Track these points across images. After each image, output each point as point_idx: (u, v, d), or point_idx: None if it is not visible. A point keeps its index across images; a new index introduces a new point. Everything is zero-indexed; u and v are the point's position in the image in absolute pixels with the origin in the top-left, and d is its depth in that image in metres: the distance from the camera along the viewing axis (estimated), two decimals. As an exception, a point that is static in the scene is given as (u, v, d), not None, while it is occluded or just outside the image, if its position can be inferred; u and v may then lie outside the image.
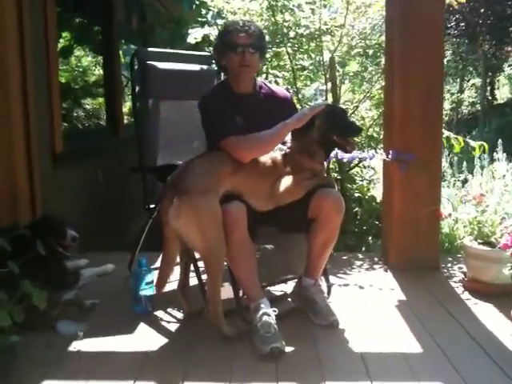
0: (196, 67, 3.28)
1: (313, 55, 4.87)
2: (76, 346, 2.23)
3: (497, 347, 2.27)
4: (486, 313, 2.63)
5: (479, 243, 2.94)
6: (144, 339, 2.34)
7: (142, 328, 2.45)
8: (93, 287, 2.82)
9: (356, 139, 4.67)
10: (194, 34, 5.00)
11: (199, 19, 5.10)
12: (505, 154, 4.46)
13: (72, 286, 2.60)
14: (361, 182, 4.93)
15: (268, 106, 2.56)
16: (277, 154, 2.45)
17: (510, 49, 15.06)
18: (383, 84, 4.55)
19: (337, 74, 4.92)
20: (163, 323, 2.52)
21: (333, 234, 2.48)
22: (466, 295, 2.89)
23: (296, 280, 2.66)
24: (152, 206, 2.94)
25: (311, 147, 2.46)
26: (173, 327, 2.49)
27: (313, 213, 2.45)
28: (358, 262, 3.47)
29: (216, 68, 3.33)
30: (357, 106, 5.04)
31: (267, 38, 4.58)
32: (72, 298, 2.56)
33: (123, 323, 2.48)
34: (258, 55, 2.51)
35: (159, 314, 2.61)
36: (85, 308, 2.60)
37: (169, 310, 2.65)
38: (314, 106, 2.47)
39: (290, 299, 2.70)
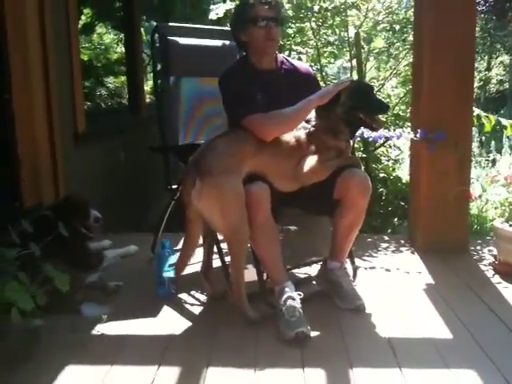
0: (218, 43, 3.20)
1: (337, 31, 4.74)
2: (100, 329, 2.22)
3: (530, 333, 2.21)
4: (518, 297, 2.56)
5: (511, 225, 2.85)
6: (167, 322, 2.32)
7: (166, 311, 2.43)
8: (116, 269, 2.80)
9: (382, 117, 4.59)
10: (216, 10, 4.89)
11: (221, -6, 4.99)
12: (534, 133, 4.32)
13: (95, 267, 2.58)
14: (386, 162, 4.83)
15: (291, 82, 2.48)
16: (300, 132, 2.37)
17: (540, 24, 14.60)
18: (410, 60, 4.43)
19: (362, 50, 4.79)
20: (187, 306, 2.49)
21: (359, 215, 2.41)
22: (496, 279, 2.81)
23: (321, 263, 2.60)
24: (174, 186, 2.90)
25: (336, 125, 2.38)
26: (196, 310, 2.46)
27: (338, 194, 2.38)
28: (384, 244, 3.40)
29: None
30: (383, 84, 4.91)
31: (290, 12, 4.48)
32: (95, 280, 2.55)
33: (147, 306, 2.46)
34: (280, 28, 2.44)
35: (183, 296, 2.58)
36: (108, 290, 2.58)
37: (192, 292, 2.62)
38: (339, 83, 2.38)
39: (314, 282, 2.65)
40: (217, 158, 2.19)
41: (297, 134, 2.37)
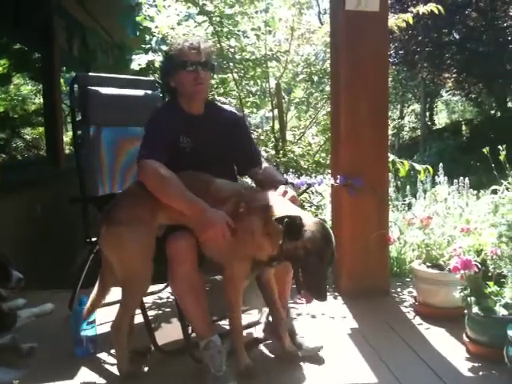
0: (140, 92, 3.20)
1: (259, 81, 4.87)
2: (11, 396, 2.06)
3: (451, 372, 2.26)
4: (439, 337, 2.63)
5: (428, 266, 2.94)
6: (86, 385, 2.19)
7: (84, 372, 2.30)
8: (31, 329, 2.65)
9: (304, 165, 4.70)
10: (138, 61, 4.90)
11: (143, 46, 5.01)
12: (446, 178, 4.55)
13: (8, 328, 2.43)
14: (309, 208, 4.92)
15: (218, 128, 2.44)
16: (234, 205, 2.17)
17: (447, 75, 15.74)
18: (328, 110, 4.60)
19: (283, 100, 4.94)
20: (106, 366, 2.37)
21: None
22: (417, 320, 2.88)
23: (248, 312, 2.57)
24: (94, 239, 2.80)
25: (274, 235, 2.08)
26: (117, 370, 2.30)
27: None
28: (309, 290, 3.40)
29: (161, 93, 3.26)
30: (303, 132, 5.06)
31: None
32: (8, 342, 2.38)
33: (63, 368, 2.32)
34: (210, 73, 2.43)
35: (102, 356, 2.46)
36: (22, 353, 2.39)
37: (112, 351, 2.45)
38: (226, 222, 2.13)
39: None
40: (124, 208, 2.19)
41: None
